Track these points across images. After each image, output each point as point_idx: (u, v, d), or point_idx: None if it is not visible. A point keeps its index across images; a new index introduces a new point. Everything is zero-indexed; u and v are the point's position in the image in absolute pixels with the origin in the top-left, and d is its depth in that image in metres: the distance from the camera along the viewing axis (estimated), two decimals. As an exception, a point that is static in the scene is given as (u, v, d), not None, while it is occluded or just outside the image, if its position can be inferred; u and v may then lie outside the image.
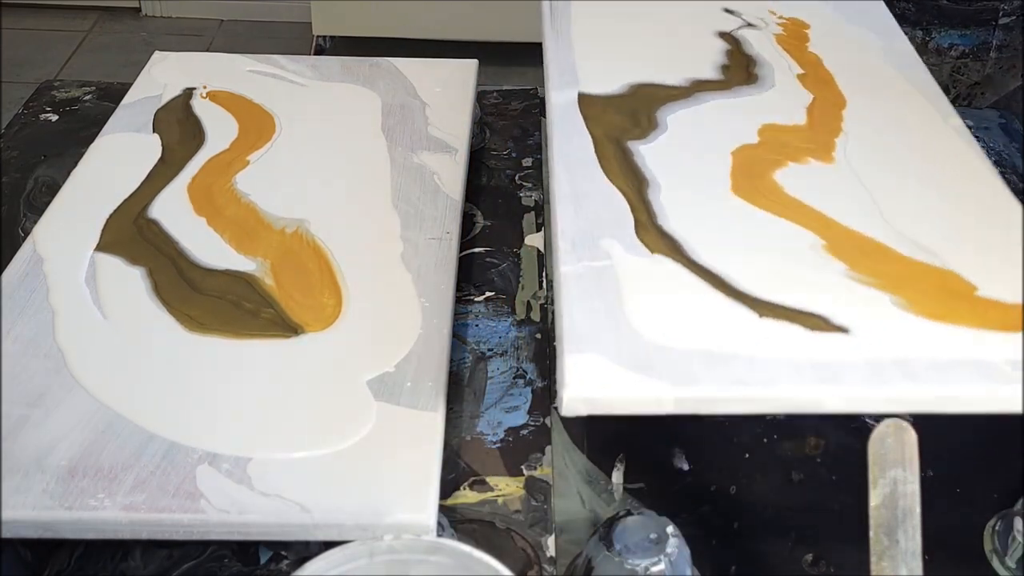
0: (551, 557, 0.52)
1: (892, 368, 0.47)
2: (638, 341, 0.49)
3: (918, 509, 0.40)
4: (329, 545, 0.43)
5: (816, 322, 0.50)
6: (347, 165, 0.73)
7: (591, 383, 0.47)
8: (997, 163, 0.83)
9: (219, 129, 0.76)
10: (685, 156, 0.64)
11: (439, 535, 0.49)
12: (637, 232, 0.56)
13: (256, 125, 0.77)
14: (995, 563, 0.52)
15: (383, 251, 0.65)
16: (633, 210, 0.58)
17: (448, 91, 0.82)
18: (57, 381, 0.54)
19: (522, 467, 0.56)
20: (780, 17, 0.81)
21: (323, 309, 0.60)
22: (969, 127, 0.88)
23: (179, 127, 0.77)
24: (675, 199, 0.59)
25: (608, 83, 0.71)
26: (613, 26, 0.79)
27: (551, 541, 0.53)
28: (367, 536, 0.46)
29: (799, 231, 0.57)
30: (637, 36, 0.78)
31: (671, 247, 0.55)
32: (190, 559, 0.51)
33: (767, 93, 0.71)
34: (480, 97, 0.85)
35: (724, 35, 0.78)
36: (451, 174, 0.72)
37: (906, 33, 0.93)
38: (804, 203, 0.60)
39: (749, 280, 0.53)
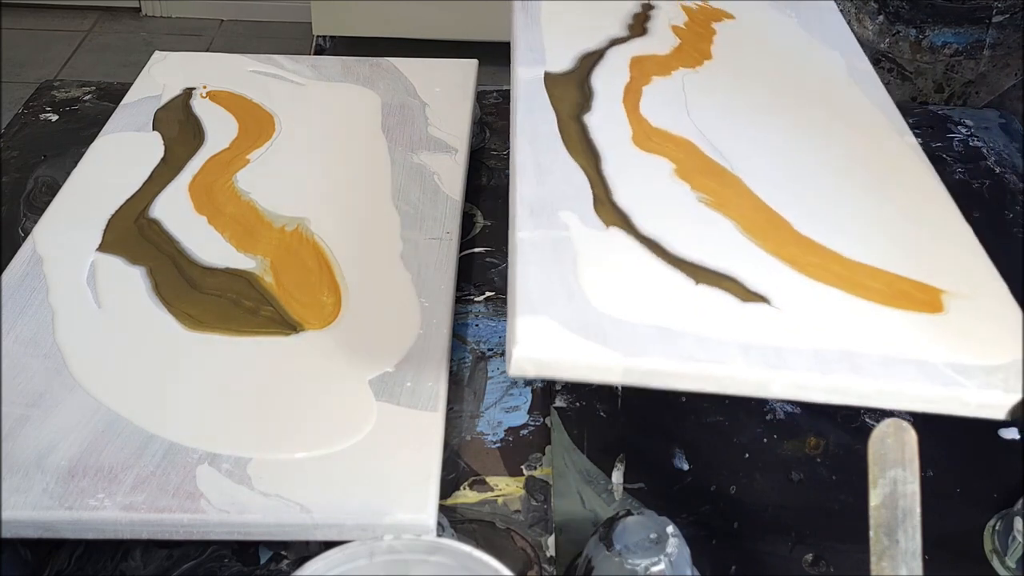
0: (551, 557, 0.52)
1: (839, 360, 0.48)
2: (591, 309, 0.50)
3: (918, 509, 0.40)
4: (329, 545, 0.43)
5: (743, 292, 0.52)
6: (347, 164, 0.73)
7: (542, 345, 0.47)
8: (997, 163, 0.83)
9: (219, 129, 0.76)
10: (607, 117, 0.67)
11: (439, 535, 0.49)
12: (595, 207, 0.57)
13: (256, 125, 0.77)
14: (995, 563, 0.52)
15: (383, 250, 0.65)
16: (592, 185, 0.59)
17: (448, 91, 0.82)
18: (57, 381, 0.54)
19: (522, 467, 0.56)
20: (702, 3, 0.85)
21: (322, 308, 0.60)
22: (969, 127, 0.89)
23: (179, 127, 0.77)
24: (616, 171, 0.61)
25: (566, 60, 0.73)
26: (577, 5, 0.81)
27: (551, 541, 0.53)
28: (367, 536, 0.46)
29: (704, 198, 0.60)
30: (592, 12, 0.80)
31: (623, 220, 0.57)
32: (190, 559, 0.51)
33: (648, 39, 0.77)
34: (480, 97, 0.85)
35: (644, 4, 0.83)
36: (451, 174, 0.72)
37: (899, 31, 0.93)
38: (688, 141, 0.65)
39: (682, 244, 0.55)
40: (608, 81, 0.71)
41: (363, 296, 0.61)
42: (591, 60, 0.73)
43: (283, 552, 0.51)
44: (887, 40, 0.96)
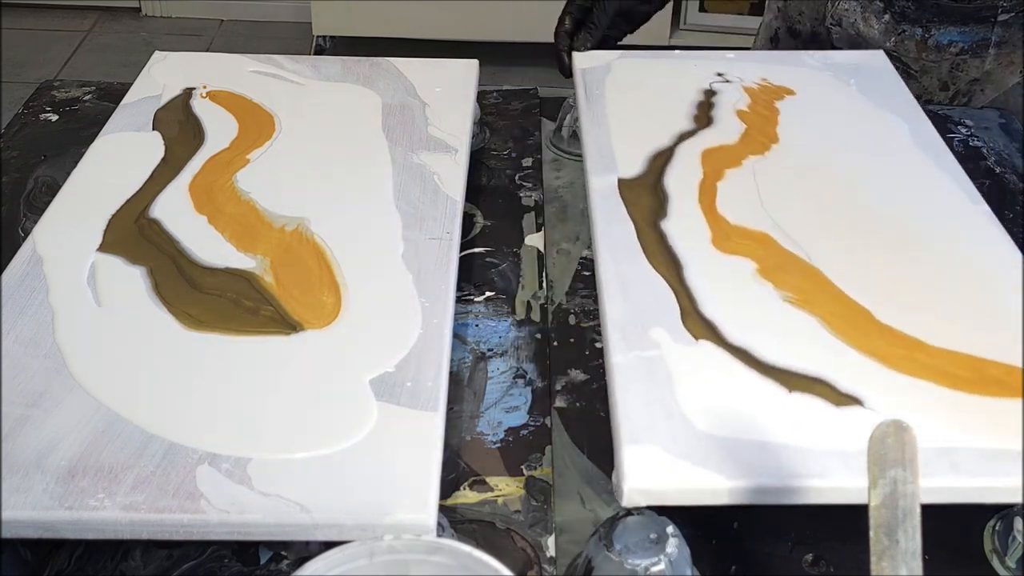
0: (551, 557, 0.52)
1: (936, 459, 0.49)
2: (691, 431, 0.51)
3: (918, 509, 0.40)
4: (329, 545, 0.43)
5: (835, 395, 0.53)
6: (347, 164, 0.73)
7: (650, 474, 0.49)
8: (997, 163, 0.83)
9: (219, 129, 0.77)
10: (684, 220, 0.66)
11: (439, 535, 0.49)
12: (683, 320, 0.58)
13: (256, 124, 0.77)
14: (995, 563, 0.52)
15: (383, 250, 0.65)
16: (677, 297, 0.59)
17: (448, 91, 0.82)
18: (57, 381, 0.54)
19: (522, 467, 0.56)
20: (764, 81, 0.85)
21: (322, 307, 0.60)
22: (969, 127, 0.88)
23: (179, 127, 0.77)
24: (699, 279, 0.61)
25: (636, 164, 0.72)
26: (643, 101, 0.80)
27: (551, 541, 0.53)
28: (367, 536, 0.46)
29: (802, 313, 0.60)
30: (658, 106, 0.80)
31: (711, 332, 0.57)
32: (190, 559, 0.51)
33: (715, 129, 0.77)
34: (480, 97, 0.85)
35: (705, 91, 0.82)
36: (451, 174, 0.72)
37: (905, 31, 0.93)
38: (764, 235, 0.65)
39: (770, 351, 0.56)
40: (682, 181, 0.70)
41: (363, 296, 0.61)
42: (662, 160, 0.73)
43: (283, 552, 0.51)
44: (892, 39, 0.96)
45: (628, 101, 0.80)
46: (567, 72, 0.87)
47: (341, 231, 0.66)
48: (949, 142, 0.85)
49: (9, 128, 0.86)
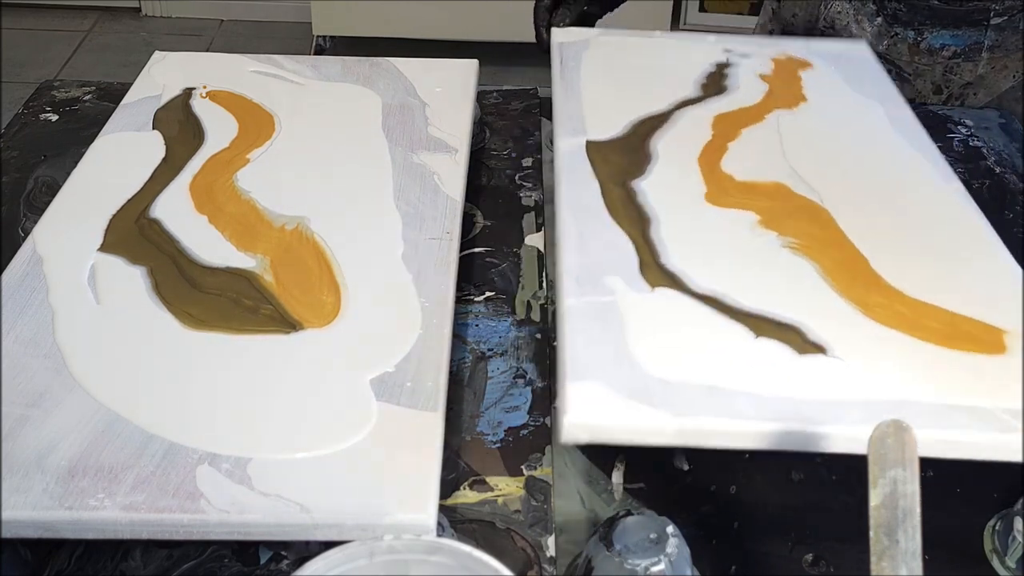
0: (551, 557, 0.52)
1: (891, 410, 0.48)
2: (640, 372, 0.50)
3: (918, 509, 0.40)
4: (329, 545, 0.43)
5: (802, 343, 0.53)
6: (347, 164, 0.73)
7: (592, 410, 0.48)
8: (997, 163, 0.83)
9: (219, 128, 0.76)
10: (671, 178, 0.67)
11: (439, 535, 0.49)
12: (641, 271, 0.58)
13: (256, 124, 0.77)
14: (995, 563, 0.52)
15: (383, 250, 0.65)
16: (638, 250, 0.59)
17: (448, 91, 0.82)
18: (57, 381, 0.54)
19: (522, 467, 0.56)
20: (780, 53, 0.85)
21: (322, 307, 0.60)
22: (969, 127, 0.89)
23: (179, 127, 0.77)
24: (674, 233, 0.61)
25: (613, 127, 0.72)
26: (621, 74, 0.80)
27: (551, 541, 0.53)
28: (367, 536, 0.46)
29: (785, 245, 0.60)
30: (642, 79, 0.80)
31: (671, 281, 0.57)
32: (190, 559, 0.51)
33: (732, 95, 0.77)
34: (480, 97, 0.85)
35: (719, 64, 0.82)
36: (451, 174, 0.72)
37: (898, 33, 0.93)
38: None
39: (746, 298, 0.55)
40: (677, 142, 0.71)
41: (363, 296, 0.61)
42: (651, 125, 0.73)
43: (283, 552, 0.51)
44: (885, 42, 0.96)
45: (607, 74, 0.80)
46: (545, 47, 0.87)
47: (341, 231, 0.66)
48: (949, 142, 0.86)
49: (9, 128, 0.86)
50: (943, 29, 0.94)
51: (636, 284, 0.56)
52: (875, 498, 0.40)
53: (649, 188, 0.65)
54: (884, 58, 0.89)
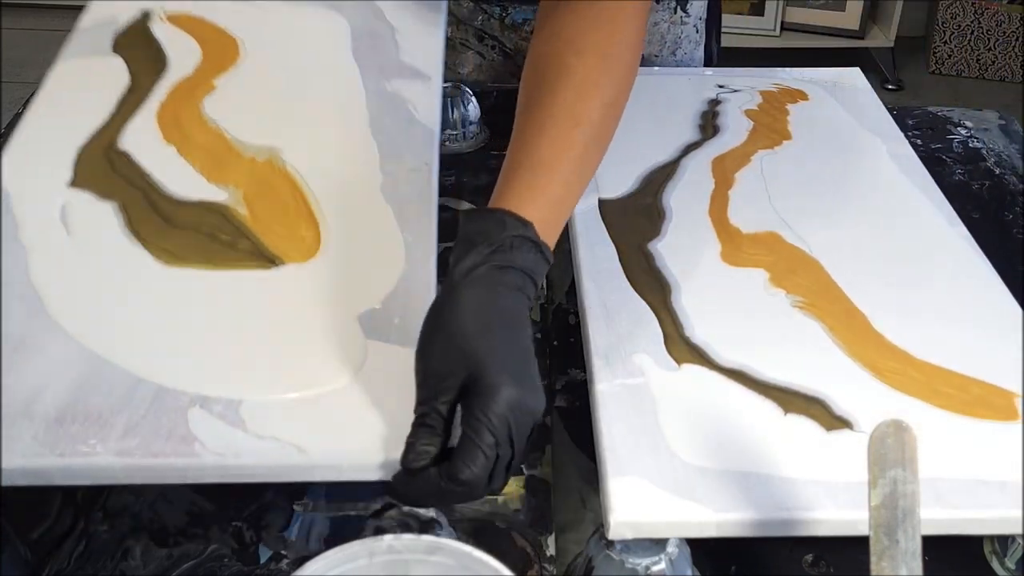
0: (551, 557, 0.52)
1: (924, 489, 0.48)
2: (679, 463, 0.51)
3: (918, 509, 0.40)
4: (330, 544, 0.43)
5: (828, 419, 0.53)
6: (317, 92, 0.70)
7: (637, 508, 0.48)
8: (997, 164, 0.83)
9: (181, 54, 0.74)
10: (685, 239, 0.66)
11: (438, 534, 0.49)
12: (667, 345, 0.58)
13: (220, 48, 0.74)
14: (995, 564, 0.52)
15: (360, 182, 0.62)
16: (661, 323, 0.60)
17: (418, 14, 0.79)
18: (36, 324, 0.52)
19: (522, 467, 0.56)
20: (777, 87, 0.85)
21: (301, 241, 0.58)
22: (968, 128, 0.88)
23: (140, 52, 0.74)
24: (694, 301, 0.61)
25: (624, 182, 0.72)
26: (625, 120, 0.80)
27: (551, 541, 0.53)
28: (365, 476, 0.46)
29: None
30: (645, 119, 0.79)
31: (697, 355, 0.57)
32: (190, 559, 0.51)
33: (723, 136, 0.77)
34: (480, 97, 0.85)
35: (711, 101, 0.83)
36: (426, 104, 0.69)
37: (486, 10, 0.92)
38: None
39: (768, 367, 0.56)
40: (688, 195, 0.70)
41: (343, 230, 0.59)
42: (661, 177, 0.72)
43: (283, 552, 0.51)
44: (479, 19, 0.93)
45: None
46: None
47: (315, 162, 0.64)
48: (948, 143, 0.86)
49: (9, 128, 0.86)
50: (524, 4, 0.92)
51: (663, 361, 0.57)
52: (875, 498, 0.40)
53: (665, 251, 0.65)
54: (485, 33, 0.87)
